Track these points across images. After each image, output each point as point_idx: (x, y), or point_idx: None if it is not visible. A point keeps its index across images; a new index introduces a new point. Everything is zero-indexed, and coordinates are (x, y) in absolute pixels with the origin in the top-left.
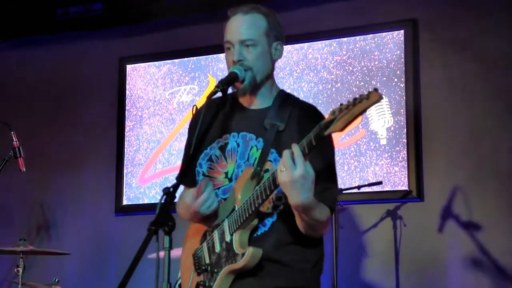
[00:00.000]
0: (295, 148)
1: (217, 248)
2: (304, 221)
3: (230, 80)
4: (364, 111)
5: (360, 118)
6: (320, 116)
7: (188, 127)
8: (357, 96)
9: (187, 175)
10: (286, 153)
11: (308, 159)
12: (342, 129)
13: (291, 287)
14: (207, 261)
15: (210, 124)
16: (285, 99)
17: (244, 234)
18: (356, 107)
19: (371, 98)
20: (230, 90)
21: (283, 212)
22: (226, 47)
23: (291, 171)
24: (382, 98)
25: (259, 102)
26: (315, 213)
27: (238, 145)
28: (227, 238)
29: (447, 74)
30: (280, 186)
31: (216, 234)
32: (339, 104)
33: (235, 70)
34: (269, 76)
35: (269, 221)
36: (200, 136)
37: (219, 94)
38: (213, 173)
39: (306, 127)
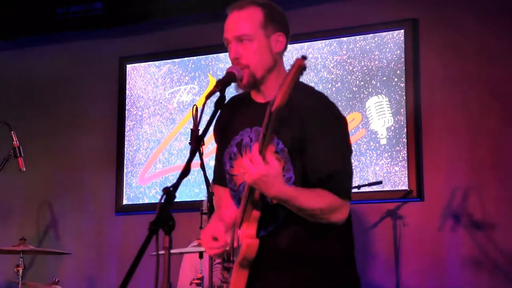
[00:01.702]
0: (254, 147)
1: (235, 243)
2: (296, 212)
3: (228, 80)
4: (293, 78)
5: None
6: (325, 103)
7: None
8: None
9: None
10: (245, 156)
11: (272, 147)
12: (283, 101)
13: (311, 280)
14: (231, 257)
15: (227, 124)
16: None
17: (249, 227)
18: (288, 77)
19: (295, 64)
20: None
21: None
22: (225, 45)
23: (251, 171)
24: (303, 65)
25: (267, 95)
26: (300, 201)
27: (251, 139)
28: (238, 232)
29: (447, 74)
30: None
31: (236, 230)
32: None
33: (232, 70)
34: (272, 69)
35: (282, 214)
36: (203, 135)
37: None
38: (233, 171)
39: (309, 116)
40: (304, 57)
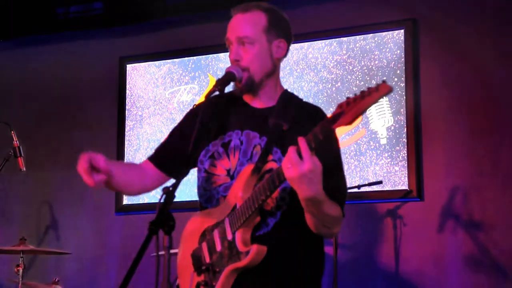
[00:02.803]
0: (302, 142)
1: (218, 247)
2: (315, 217)
3: (227, 80)
4: (373, 103)
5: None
6: (325, 117)
7: (186, 114)
8: (365, 89)
9: (161, 158)
10: (291, 148)
11: (313, 154)
12: (350, 123)
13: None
14: (208, 260)
15: (212, 121)
16: (290, 100)
17: (246, 232)
18: (364, 100)
19: (381, 90)
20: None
21: (286, 213)
22: (227, 45)
23: (298, 166)
24: (392, 89)
25: (264, 100)
26: (325, 206)
27: (241, 142)
28: (229, 237)
29: (447, 74)
30: (288, 181)
31: (216, 233)
32: (345, 97)
33: (232, 70)
34: (271, 75)
35: (272, 222)
36: (198, 132)
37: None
38: (215, 170)
39: (311, 128)
40: (385, 82)
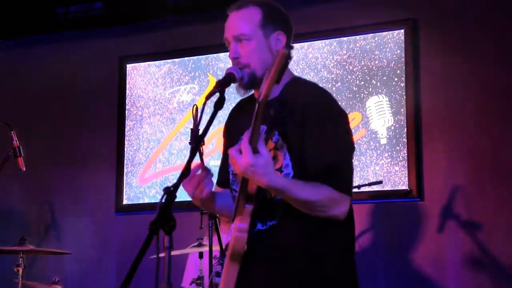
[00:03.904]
0: (243, 138)
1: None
2: (292, 203)
3: (227, 81)
4: (277, 68)
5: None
6: (326, 98)
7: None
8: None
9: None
10: (234, 148)
11: (259, 146)
12: (268, 91)
13: (308, 278)
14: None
15: (232, 126)
16: (293, 87)
17: (242, 220)
18: (272, 68)
19: (279, 54)
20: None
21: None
22: (226, 45)
23: (238, 162)
24: (286, 52)
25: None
26: (293, 192)
27: None
28: (232, 226)
29: (447, 74)
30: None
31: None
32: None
33: (231, 71)
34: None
35: (279, 209)
36: (203, 135)
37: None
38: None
39: (309, 110)
40: (290, 47)
